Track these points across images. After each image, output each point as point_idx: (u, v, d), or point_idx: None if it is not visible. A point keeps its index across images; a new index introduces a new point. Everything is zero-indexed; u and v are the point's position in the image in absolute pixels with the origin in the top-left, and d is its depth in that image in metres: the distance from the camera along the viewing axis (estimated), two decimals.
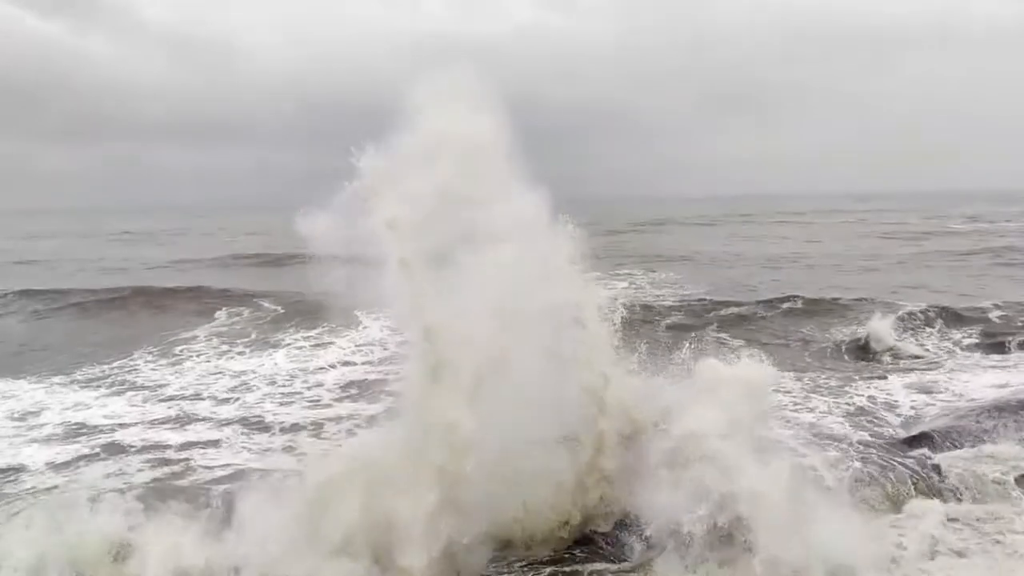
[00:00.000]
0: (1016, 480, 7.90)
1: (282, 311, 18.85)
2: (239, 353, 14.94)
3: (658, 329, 16.18)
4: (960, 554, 6.62)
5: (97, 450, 9.27)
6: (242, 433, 9.88)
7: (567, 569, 6.62)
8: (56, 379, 12.86)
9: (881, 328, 14.65)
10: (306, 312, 17.37)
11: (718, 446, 6.31)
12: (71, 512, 6.74)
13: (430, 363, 6.50)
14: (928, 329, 15.30)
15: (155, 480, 8.21)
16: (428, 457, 6.29)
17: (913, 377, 12.14)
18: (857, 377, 12.27)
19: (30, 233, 65.95)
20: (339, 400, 11.46)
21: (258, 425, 10.22)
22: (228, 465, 8.65)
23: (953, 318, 15.96)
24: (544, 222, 6.99)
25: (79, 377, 13.03)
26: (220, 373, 13.27)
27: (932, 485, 7.90)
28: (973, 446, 8.65)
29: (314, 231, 6.52)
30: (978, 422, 9.21)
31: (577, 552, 6.85)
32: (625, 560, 6.66)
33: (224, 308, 19.56)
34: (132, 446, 9.42)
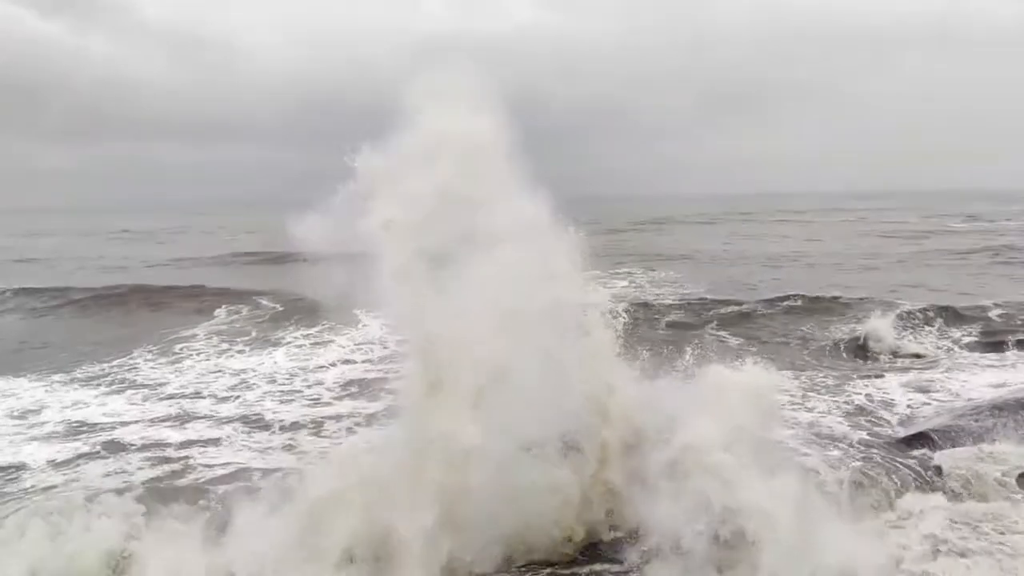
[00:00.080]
0: (1017, 479, 7.90)
1: (281, 309, 18.85)
2: (239, 351, 14.94)
3: (658, 328, 16.17)
4: (962, 554, 6.60)
5: (97, 448, 9.28)
6: (242, 431, 9.88)
7: (566, 572, 6.61)
8: (56, 377, 12.87)
9: (881, 327, 14.65)
10: (306, 310, 17.37)
11: (721, 458, 6.18)
12: (69, 517, 6.65)
13: (429, 374, 6.41)
14: (927, 328, 15.29)
15: (155, 479, 8.21)
16: (428, 471, 6.18)
17: (912, 376, 12.16)
18: (856, 376, 12.29)
19: (30, 231, 65.91)
20: (339, 398, 11.47)
21: (258, 423, 10.22)
22: (228, 464, 8.66)
23: (952, 317, 15.96)
24: (545, 223, 6.90)
25: (79, 375, 13.04)
26: (220, 371, 13.28)
27: (933, 485, 7.90)
28: (973, 445, 8.64)
29: (307, 233, 6.45)
30: (977, 421, 9.21)
31: (577, 556, 6.82)
32: (623, 562, 6.62)
33: (224, 306, 19.57)
34: (132, 444, 9.42)
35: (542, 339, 6.72)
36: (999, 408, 9.53)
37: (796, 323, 16.42)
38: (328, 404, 11.21)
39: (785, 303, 17.89)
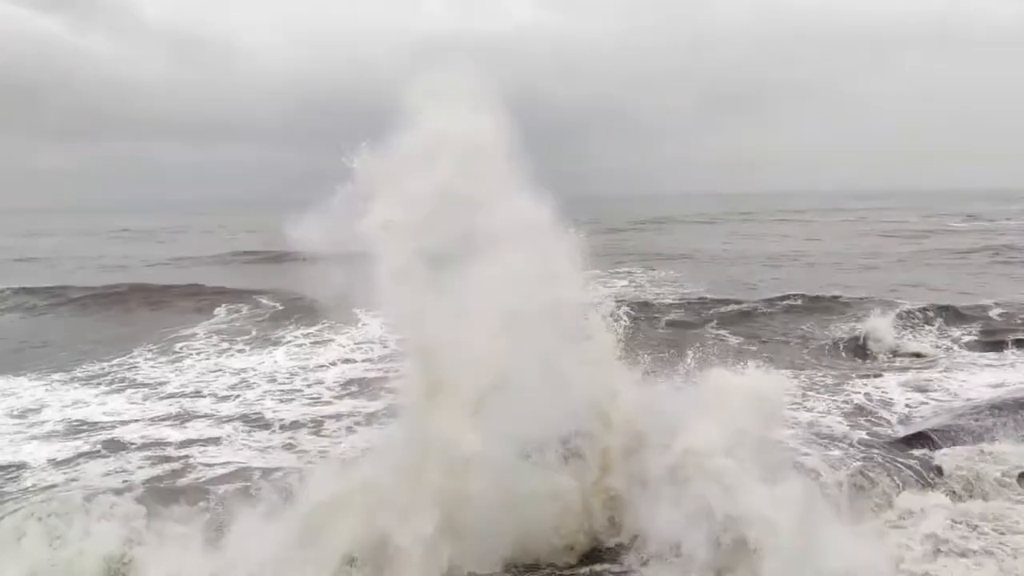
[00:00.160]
0: (1018, 479, 7.90)
1: (281, 308, 18.86)
2: (239, 350, 14.95)
3: (658, 327, 16.20)
4: (963, 554, 6.59)
5: (98, 447, 9.28)
6: (242, 430, 9.89)
7: (566, 574, 6.59)
8: (56, 376, 12.88)
9: (880, 326, 14.66)
10: (305, 309, 17.39)
11: (722, 463, 6.12)
12: (68, 520, 6.59)
13: (428, 377, 6.33)
14: (927, 327, 15.29)
15: (155, 478, 8.21)
16: (428, 477, 6.11)
17: (912, 375, 12.17)
18: (855, 375, 12.30)
19: (30, 231, 65.95)
20: (339, 397, 11.48)
21: (258, 422, 10.23)
22: (228, 463, 8.66)
23: (952, 316, 15.97)
24: (546, 223, 6.82)
25: (79, 374, 13.05)
26: (220, 370, 13.30)
27: (933, 485, 7.89)
28: (973, 445, 8.64)
29: (305, 235, 6.40)
30: (977, 420, 9.22)
31: (578, 563, 6.75)
32: (624, 568, 6.57)
33: (223, 305, 19.57)
34: (132, 443, 9.43)
35: (543, 343, 6.63)
36: (998, 408, 9.55)
37: (796, 322, 16.43)
38: (328, 403, 11.22)
39: (785, 302, 17.90)
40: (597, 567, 6.63)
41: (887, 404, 10.58)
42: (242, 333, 16.54)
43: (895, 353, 13.98)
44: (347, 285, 6.72)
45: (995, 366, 12.77)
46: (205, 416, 10.54)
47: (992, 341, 14.37)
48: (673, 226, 56.66)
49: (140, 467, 8.60)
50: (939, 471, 8.06)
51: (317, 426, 10.08)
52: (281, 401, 11.28)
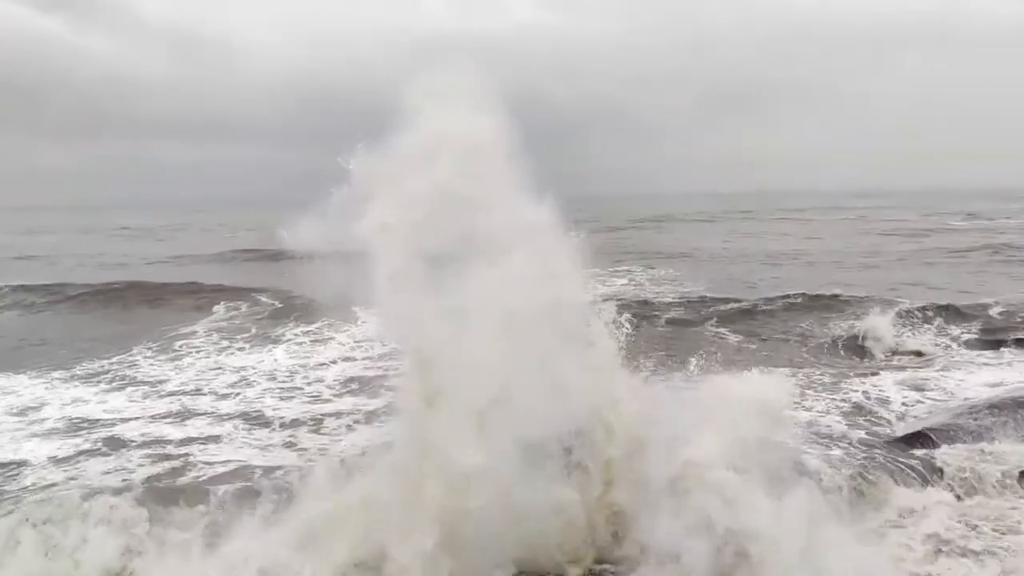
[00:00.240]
0: (1019, 479, 7.92)
1: (280, 306, 18.86)
2: (239, 348, 14.96)
3: (658, 325, 16.21)
4: (965, 554, 6.61)
5: (98, 445, 9.29)
6: (243, 428, 9.90)
7: None
8: (56, 374, 12.88)
9: (880, 324, 14.68)
10: (304, 307, 17.41)
11: (723, 475, 6.03)
12: (64, 527, 6.51)
13: (427, 387, 6.20)
14: (926, 326, 15.28)
15: (155, 476, 8.21)
16: (427, 492, 5.97)
17: (911, 374, 12.17)
18: (854, 374, 12.31)
19: (30, 229, 65.91)
20: (339, 395, 11.49)
21: (258, 420, 10.24)
22: (229, 461, 8.67)
23: (951, 315, 15.96)
24: (546, 225, 6.72)
25: (79, 372, 13.05)
26: (220, 368, 13.31)
27: (934, 484, 7.92)
28: (973, 444, 8.65)
29: (301, 239, 6.34)
30: (976, 420, 9.22)
31: None
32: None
33: (222, 302, 19.58)
34: (132, 441, 9.44)
35: (545, 349, 6.49)
36: (997, 407, 9.55)
37: (795, 320, 16.43)
38: (328, 401, 11.23)
39: (784, 301, 17.89)
40: (596, 568, 6.60)
41: (886, 403, 10.59)
42: (242, 331, 16.55)
43: (894, 352, 14.00)
44: (346, 283, 6.69)
45: (993, 365, 12.78)
46: (205, 414, 10.55)
47: (991, 340, 14.37)
48: (673, 225, 56.66)
49: (140, 465, 8.60)
50: (939, 471, 8.08)
51: (317, 424, 10.09)
52: (281, 399, 11.29)
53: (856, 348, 14.27)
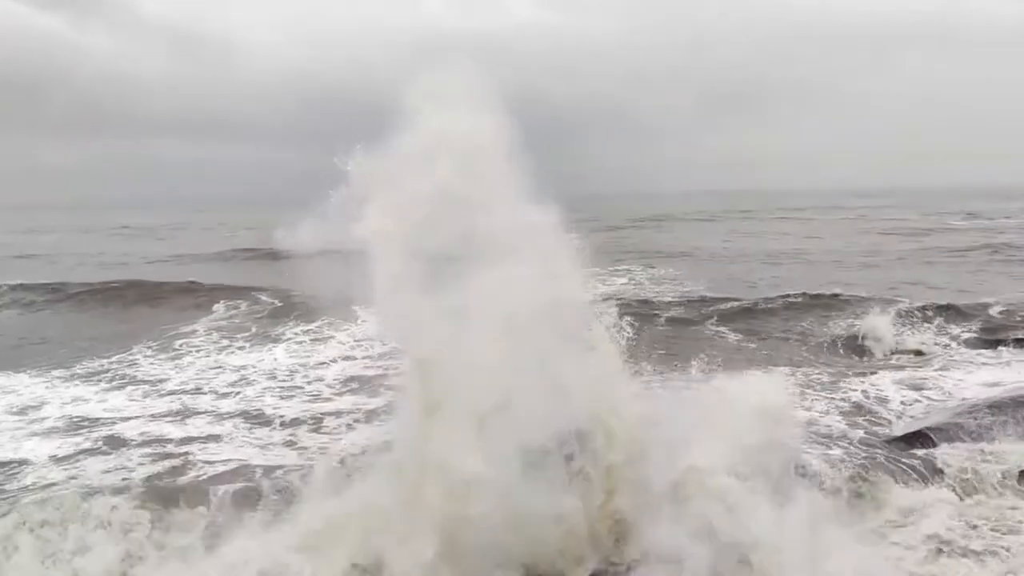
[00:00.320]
0: (1019, 478, 7.92)
1: (280, 305, 18.86)
2: (239, 348, 14.96)
3: (658, 324, 16.21)
4: (966, 554, 6.61)
5: (99, 443, 9.29)
6: (243, 427, 9.90)
7: None
8: (56, 373, 12.88)
9: (879, 324, 14.68)
10: (304, 306, 17.39)
11: (725, 482, 6.02)
12: (63, 532, 6.45)
13: (427, 395, 6.15)
14: (926, 325, 15.28)
15: (156, 475, 8.21)
16: (427, 500, 5.92)
17: (910, 373, 12.17)
18: (854, 372, 12.31)
19: (30, 228, 65.86)
20: (339, 394, 11.50)
21: (259, 419, 10.24)
22: (229, 460, 8.67)
23: (951, 314, 15.96)
24: (547, 225, 6.66)
25: (79, 371, 13.05)
26: (220, 367, 13.31)
27: (934, 484, 7.91)
28: (973, 444, 8.65)
29: (298, 243, 6.31)
30: (976, 419, 9.21)
31: None
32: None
33: (222, 301, 19.59)
34: (133, 440, 9.44)
35: (546, 353, 6.42)
36: (997, 406, 9.54)
37: (795, 319, 16.44)
38: (328, 400, 11.24)
39: (784, 300, 17.90)
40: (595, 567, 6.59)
41: (886, 402, 10.59)
42: (241, 330, 16.55)
43: (894, 351, 13.99)
44: (346, 282, 6.67)
45: (991, 364, 12.77)
46: (205, 413, 10.55)
47: (990, 339, 14.36)
48: (673, 224, 56.63)
49: (141, 464, 8.60)
50: (940, 471, 8.07)
51: (317, 423, 10.09)
52: (281, 398, 11.29)
53: (856, 347, 14.27)
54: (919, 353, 13.84)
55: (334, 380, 12.24)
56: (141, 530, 6.58)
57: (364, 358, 13.60)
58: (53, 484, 7.92)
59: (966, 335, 14.76)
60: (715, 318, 16.55)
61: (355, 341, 14.79)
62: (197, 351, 14.69)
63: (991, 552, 6.62)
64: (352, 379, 12.24)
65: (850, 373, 12.27)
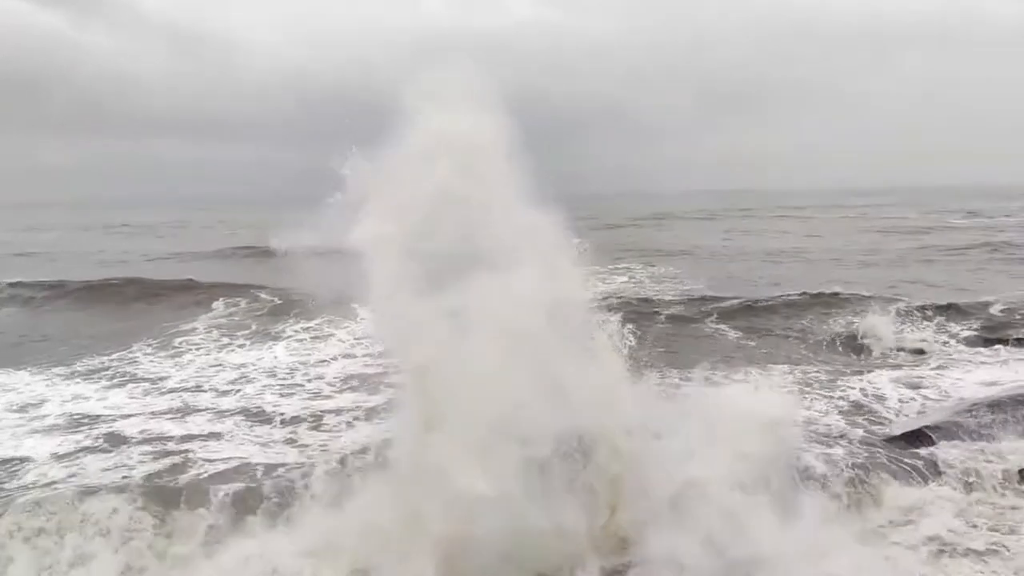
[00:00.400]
0: (1020, 477, 7.92)
1: (280, 302, 18.83)
2: (239, 345, 14.96)
3: (658, 321, 16.23)
4: (966, 554, 6.60)
5: (99, 441, 9.28)
6: (243, 425, 9.90)
7: None
8: (56, 371, 12.87)
9: (879, 322, 14.70)
10: (304, 304, 17.38)
11: (729, 495, 5.99)
12: (59, 540, 6.34)
13: (426, 410, 6.05)
14: (925, 323, 15.29)
15: (156, 474, 8.18)
16: (427, 520, 5.81)
17: (911, 372, 12.18)
18: (853, 371, 12.31)
19: (30, 226, 65.82)
20: (340, 392, 11.49)
21: (259, 417, 10.24)
22: (230, 458, 8.66)
23: (950, 313, 15.97)
24: (548, 226, 6.58)
25: (79, 368, 13.05)
26: (220, 365, 13.30)
27: (934, 483, 7.91)
28: (973, 442, 8.64)
29: (295, 246, 6.31)
30: (975, 418, 9.20)
31: None
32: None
33: (222, 299, 19.53)
34: (133, 437, 9.43)
35: (548, 362, 6.30)
36: (996, 405, 9.54)
37: (795, 318, 16.45)
38: (329, 397, 11.23)
39: (784, 298, 17.93)
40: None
41: (886, 401, 10.60)
42: (241, 328, 16.53)
43: (894, 349, 14.00)
44: (345, 282, 6.65)
45: (990, 363, 12.78)
46: (205, 410, 10.55)
47: (989, 338, 14.38)
48: (673, 222, 56.64)
49: (141, 461, 8.60)
50: (940, 470, 8.06)
51: (317, 420, 10.08)
52: (281, 396, 11.29)
53: (855, 346, 14.29)
54: (919, 352, 13.84)
55: (334, 378, 12.24)
56: (141, 538, 6.49)
57: (364, 356, 13.58)
58: (53, 482, 7.91)
59: (966, 333, 14.76)
60: (715, 316, 16.56)
61: (355, 339, 14.77)
62: (197, 349, 14.69)
63: (992, 551, 6.62)
64: (352, 377, 12.24)
65: (849, 371, 12.29)
